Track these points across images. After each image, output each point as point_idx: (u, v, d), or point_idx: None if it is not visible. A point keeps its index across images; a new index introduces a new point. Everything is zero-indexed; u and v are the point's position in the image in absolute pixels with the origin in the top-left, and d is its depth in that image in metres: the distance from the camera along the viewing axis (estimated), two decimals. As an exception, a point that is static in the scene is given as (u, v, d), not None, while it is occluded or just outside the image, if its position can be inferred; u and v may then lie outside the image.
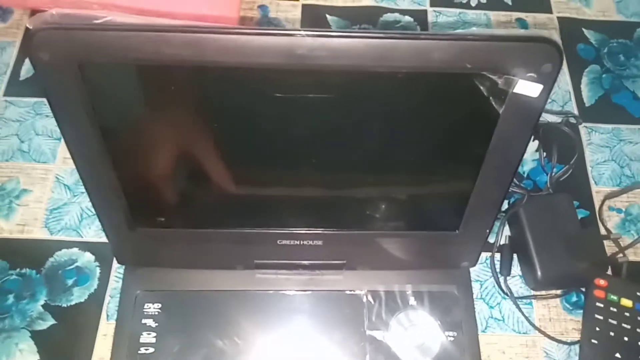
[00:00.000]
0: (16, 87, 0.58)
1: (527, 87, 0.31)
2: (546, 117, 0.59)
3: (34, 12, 0.61)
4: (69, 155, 0.53)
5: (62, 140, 0.54)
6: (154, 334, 0.43)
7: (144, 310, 0.44)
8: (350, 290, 0.46)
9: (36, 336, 0.46)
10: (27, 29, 0.31)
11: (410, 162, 0.39)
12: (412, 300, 0.46)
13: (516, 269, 0.51)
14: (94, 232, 0.51)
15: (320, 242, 0.43)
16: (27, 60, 0.59)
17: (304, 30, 0.29)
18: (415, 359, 0.44)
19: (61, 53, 0.30)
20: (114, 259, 0.49)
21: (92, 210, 0.50)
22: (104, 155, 0.35)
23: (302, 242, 0.43)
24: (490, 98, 0.32)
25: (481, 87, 0.32)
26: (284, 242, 0.43)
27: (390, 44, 0.30)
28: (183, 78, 0.32)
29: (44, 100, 0.56)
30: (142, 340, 0.43)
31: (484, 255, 0.51)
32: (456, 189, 0.40)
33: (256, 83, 0.32)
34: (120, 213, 0.40)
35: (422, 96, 0.34)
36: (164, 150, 0.37)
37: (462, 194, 0.40)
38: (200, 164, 0.38)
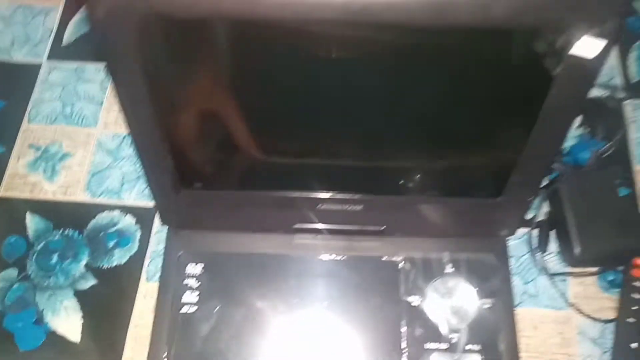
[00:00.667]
0: (59, 52, 0.59)
1: (587, 46, 0.30)
2: (591, 92, 0.57)
3: (75, -23, 0.62)
4: (110, 120, 0.55)
5: (104, 105, 0.56)
6: (196, 293, 0.44)
7: (187, 270, 0.45)
8: (387, 257, 0.46)
9: (79, 295, 0.48)
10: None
11: (459, 125, 0.38)
12: (448, 268, 0.46)
13: (553, 246, 0.51)
14: (135, 196, 0.52)
15: (360, 207, 0.43)
16: (69, 25, 0.60)
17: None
18: (451, 325, 0.44)
19: (119, 7, 0.30)
20: (154, 222, 0.50)
21: (133, 174, 0.52)
22: (155, 115, 0.36)
23: (341, 207, 0.43)
24: (548, 58, 0.31)
25: (539, 46, 0.31)
26: (324, 206, 0.43)
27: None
28: (237, 35, 0.32)
29: (87, 65, 0.58)
30: (184, 299, 0.44)
31: (521, 231, 0.51)
32: (502, 154, 0.39)
33: (309, 42, 0.32)
34: (167, 174, 0.40)
35: (477, 56, 0.33)
36: (211, 112, 0.37)
37: (508, 160, 0.39)
38: (246, 126, 0.38)
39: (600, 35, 0.30)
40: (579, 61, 0.31)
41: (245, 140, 0.39)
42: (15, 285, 0.48)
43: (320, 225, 0.46)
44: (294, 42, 0.33)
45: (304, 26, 0.31)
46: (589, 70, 0.32)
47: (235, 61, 0.35)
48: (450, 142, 0.41)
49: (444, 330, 0.45)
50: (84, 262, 0.49)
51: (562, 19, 0.30)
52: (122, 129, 0.55)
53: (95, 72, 0.58)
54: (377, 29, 0.31)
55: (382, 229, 0.47)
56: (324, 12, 0.30)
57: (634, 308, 0.46)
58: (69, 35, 0.60)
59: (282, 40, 0.33)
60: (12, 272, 0.49)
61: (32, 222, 0.51)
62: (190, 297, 0.45)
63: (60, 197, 0.52)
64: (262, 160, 0.42)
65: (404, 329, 0.44)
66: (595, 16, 0.30)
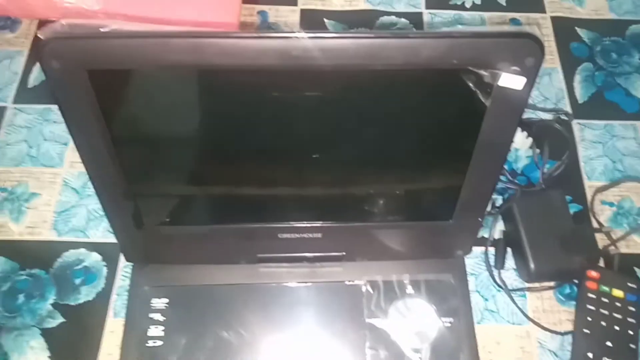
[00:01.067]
0: (25, 95, 0.60)
1: (511, 80, 0.32)
2: (539, 115, 0.61)
3: (41, 22, 0.64)
4: (76, 159, 0.56)
5: (70, 145, 0.57)
6: (162, 328, 0.45)
7: (152, 304, 0.46)
8: (350, 281, 0.48)
9: (46, 334, 0.48)
10: (38, 38, 0.33)
11: (403, 155, 0.40)
12: (409, 289, 0.47)
13: (510, 263, 0.53)
14: (101, 233, 0.52)
15: (319, 235, 0.45)
16: (35, 69, 0.61)
17: (298, 33, 0.31)
18: (414, 345, 0.46)
19: (71, 61, 0.32)
20: (120, 258, 0.51)
21: (99, 212, 0.53)
22: (113, 158, 0.37)
23: (302, 235, 0.44)
24: (477, 92, 0.34)
25: (468, 82, 0.33)
26: (285, 235, 0.44)
27: (380, 43, 0.31)
28: (186, 81, 0.34)
29: (51, 107, 0.59)
30: (150, 333, 0.45)
31: (479, 249, 0.53)
32: (448, 180, 0.42)
33: (255, 84, 0.34)
34: (129, 212, 0.41)
35: (413, 92, 0.36)
36: (169, 151, 0.39)
37: (454, 185, 0.41)
38: (204, 163, 0.40)
39: (520, 73, 0.33)
40: (508, 91, 0.34)
41: (204, 177, 0.41)
42: (-19, 328, 0.48)
43: (282, 254, 0.47)
44: (238, 84, 0.35)
45: (249, 70, 0.33)
46: (517, 99, 0.35)
47: (186, 104, 0.37)
48: (399, 172, 0.43)
49: (407, 350, 0.46)
50: (50, 301, 0.49)
51: (484, 60, 0.32)
52: (89, 167, 0.56)
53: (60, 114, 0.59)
54: (319, 72, 0.34)
55: (342, 254, 0.48)
56: (264, 59, 0.32)
57: (589, 319, 0.48)
58: (34, 79, 0.61)
59: (226, 83, 0.35)
60: (-22, 315, 0.49)
61: (-2, 264, 0.51)
62: (155, 331, 0.45)
63: (27, 237, 0.52)
64: (222, 195, 0.43)
65: (368, 352, 0.45)
66: (513, 57, 0.32)
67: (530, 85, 0.34)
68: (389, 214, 0.45)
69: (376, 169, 0.42)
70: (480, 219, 0.45)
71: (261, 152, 0.40)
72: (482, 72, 0.33)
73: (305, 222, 0.44)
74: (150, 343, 0.45)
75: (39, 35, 0.33)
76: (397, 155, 0.41)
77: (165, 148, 0.40)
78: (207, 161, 0.41)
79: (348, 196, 0.44)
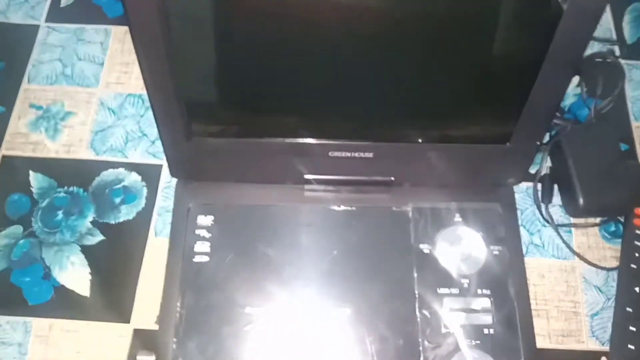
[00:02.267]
0: (57, 14, 0.58)
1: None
2: (587, 51, 0.59)
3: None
4: (112, 80, 0.55)
5: (105, 65, 0.55)
6: (208, 244, 0.44)
7: (197, 221, 0.45)
8: (397, 207, 0.47)
9: (86, 250, 0.47)
10: None
11: (467, 67, 0.39)
12: (457, 217, 0.47)
13: (556, 200, 0.52)
14: (140, 154, 0.51)
15: (370, 155, 0.43)
16: (67, -13, 0.59)
17: None
18: (461, 271, 0.45)
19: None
20: (161, 179, 0.50)
21: (137, 132, 0.52)
22: (171, 62, 0.36)
23: (353, 154, 0.43)
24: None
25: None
26: (336, 153, 0.43)
27: None
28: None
29: (85, 26, 0.57)
30: (196, 249, 0.44)
31: (525, 185, 0.52)
32: (512, 96, 0.40)
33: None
34: (180, 122, 0.40)
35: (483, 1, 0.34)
36: (223, 56, 0.37)
37: (517, 102, 0.39)
38: (257, 73, 0.38)
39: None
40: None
41: (256, 87, 0.40)
42: (21, 242, 0.47)
43: (330, 176, 0.46)
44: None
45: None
46: (594, 6, 0.33)
47: (245, 10, 0.35)
48: (460, 87, 0.41)
49: (455, 275, 0.45)
50: (89, 219, 0.48)
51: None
52: (124, 89, 0.54)
53: (95, 34, 0.57)
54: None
55: (391, 179, 0.47)
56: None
57: (636, 255, 0.47)
58: (67, -3, 0.59)
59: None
60: (17, 229, 0.48)
61: (36, 180, 0.50)
62: (202, 247, 0.44)
63: (63, 155, 0.51)
64: (273, 108, 0.42)
65: (415, 275, 0.45)
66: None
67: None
68: (445, 135, 0.44)
69: (436, 84, 0.40)
70: (538, 144, 0.43)
71: (317, 65, 0.38)
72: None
73: (358, 140, 0.43)
74: (197, 258, 0.44)
75: None
76: (459, 72, 0.39)
77: (220, 55, 0.38)
78: (261, 71, 0.39)
79: (403, 114, 0.43)
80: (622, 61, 0.59)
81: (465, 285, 0.45)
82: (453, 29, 0.36)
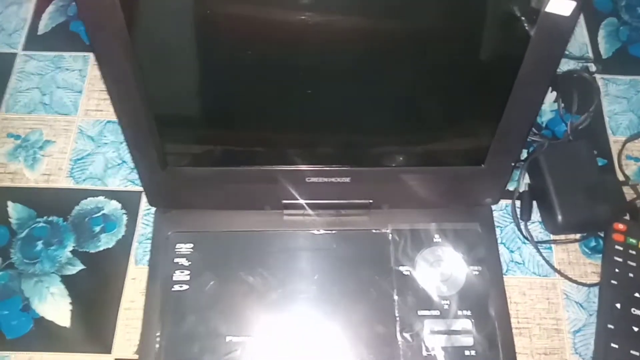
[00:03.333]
0: (35, 42, 0.58)
1: (559, 4, 0.31)
2: (563, 67, 0.60)
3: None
4: (91, 107, 0.55)
5: (84, 92, 0.55)
6: (187, 272, 0.44)
7: (176, 250, 0.45)
8: (376, 229, 0.47)
9: (66, 280, 0.47)
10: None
11: (439, 93, 0.39)
12: (436, 237, 0.47)
13: (535, 216, 0.52)
14: (119, 182, 0.51)
15: (347, 179, 0.43)
16: (44, 15, 0.59)
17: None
18: (442, 292, 0.45)
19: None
20: (140, 206, 0.50)
21: (117, 160, 0.52)
22: (141, 89, 0.36)
23: (330, 179, 0.43)
24: (523, 20, 0.32)
25: (513, 9, 0.32)
26: (313, 179, 0.43)
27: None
28: (227, 7, 0.32)
29: (64, 54, 0.57)
30: (175, 278, 0.44)
31: (504, 203, 0.52)
32: (484, 119, 0.41)
33: (288, 21, 0.33)
34: (154, 151, 0.40)
35: (453, 22, 0.34)
36: (197, 88, 0.38)
37: (490, 125, 0.40)
38: (231, 101, 0.39)
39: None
40: (554, 20, 0.33)
41: (231, 115, 0.40)
42: (-1, 274, 0.47)
43: (308, 200, 0.46)
44: (274, 17, 0.33)
45: (289, 5, 0.32)
46: (563, 29, 0.34)
47: (217, 36, 0.35)
48: (432, 111, 0.42)
49: (435, 297, 0.45)
50: (69, 248, 0.48)
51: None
52: (103, 116, 0.54)
53: (73, 61, 0.57)
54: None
55: (369, 202, 0.47)
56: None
57: (616, 270, 0.48)
58: (44, 25, 0.59)
59: (262, 15, 0.33)
60: (-5, 262, 0.48)
61: (15, 211, 0.50)
62: (181, 275, 0.44)
63: (42, 184, 0.51)
64: (249, 136, 0.42)
65: (396, 297, 0.45)
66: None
67: (578, 11, 0.32)
68: (420, 158, 0.44)
69: (409, 108, 0.41)
70: (512, 164, 0.44)
71: (289, 92, 0.39)
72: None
73: (334, 165, 0.43)
74: (176, 287, 0.44)
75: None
76: (432, 94, 0.39)
77: (193, 84, 0.38)
78: (234, 100, 0.39)
79: (378, 138, 0.43)
80: (599, 76, 0.60)
81: (446, 307, 0.45)
82: (425, 54, 0.37)
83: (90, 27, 0.33)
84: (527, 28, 0.33)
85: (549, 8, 0.32)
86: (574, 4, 0.31)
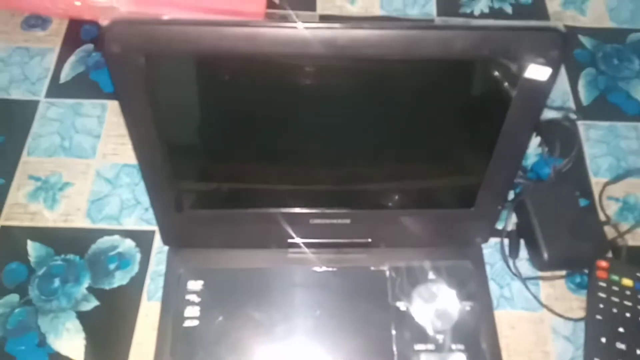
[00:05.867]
0: (56, 90, 0.62)
1: (537, 71, 0.35)
2: (546, 115, 0.64)
3: (71, 21, 0.66)
4: (108, 151, 0.59)
5: (102, 137, 0.59)
6: (198, 308, 0.47)
7: (188, 287, 0.48)
8: (374, 267, 0.50)
9: (81, 316, 0.50)
10: (99, 26, 0.35)
11: (430, 145, 0.43)
12: (431, 274, 0.50)
13: (523, 253, 0.55)
14: (134, 221, 0.54)
15: (348, 221, 0.47)
16: (66, 64, 0.64)
17: (344, 23, 0.34)
18: (436, 327, 0.48)
19: (130, 46, 0.35)
20: (154, 245, 0.53)
21: (132, 201, 0.55)
22: (162, 143, 0.40)
23: (332, 221, 0.47)
24: (504, 83, 0.37)
25: (495, 74, 0.36)
26: (316, 221, 0.47)
27: (419, 34, 0.34)
28: (236, 68, 0.37)
29: (83, 101, 0.62)
30: (186, 314, 0.47)
31: (493, 240, 0.55)
32: (471, 169, 0.45)
33: (299, 73, 0.37)
34: (171, 196, 0.44)
35: (443, 83, 0.39)
36: (213, 135, 0.41)
37: (477, 174, 0.44)
38: (244, 152, 0.43)
39: (545, 64, 0.36)
40: (532, 83, 0.37)
41: (245, 164, 0.44)
42: (17, 310, 0.50)
43: (312, 240, 0.50)
44: (284, 72, 0.38)
45: (292, 61, 0.36)
46: (541, 91, 0.38)
47: (234, 92, 0.39)
48: (425, 161, 0.46)
49: (430, 332, 0.48)
50: (85, 285, 0.51)
51: (513, 52, 0.35)
52: (120, 159, 0.58)
53: (92, 108, 0.61)
54: (358, 61, 0.37)
55: (368, 241, 0.51)
56: (309, 48, 0.34)
57: (601, 306, 0.51)
58: (65, 74, 0.63)
59: (274, 74, 0.38)
60: (14, 298, 0.50)
61: (33, 249, 0.53)
62: (192, 311, 0.47)
63: (60, 224, 0.54)
64: (257, 181, 0.46)
65: (393, 332, 0.48)
66: (540, 49, 0.35)
67: (554, 76, 0.37)
68: (414, 202, 0.48)
69: (403, 160, 0.45)
70: (500, 208, 0.48)
71: (294, 143, 0.43)
72: (510, 63, 0.36)
73: (335, 209, 0.47)
74: (187, 323, 0.47)
75: (100, 22, 0.35)
76: (426, 146, 0.44)
77: (209, 136, 0.42)
78: (246, 150, 0.43)
79: (376, 184, 0.47)
80: (580, 122, 0.64)
81: (441, 341, 0.47)
82: (419, 111, 0.41)
83: (117, 82, 0.37)
84: (509, 90, 0.38)
85: (528, 74, 0.36)
86: (550, 70, 0.36)
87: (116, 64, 0.36)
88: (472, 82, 0.39)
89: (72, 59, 0.64)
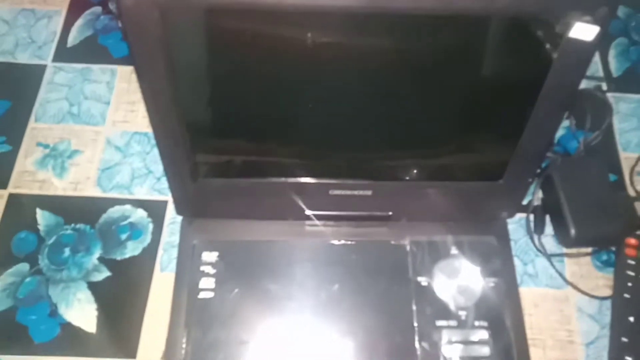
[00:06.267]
0: (64, 54, 0.60)
1: (584, 31, 0.32)
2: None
3: (78, -18, 0.63)
4: (118, 119, 0.57)
5: (112, 104, 0.57)
6: (212, 280, 0.45)
7: (202, 258, 0.46)
8: (395, 241, 0.48)
9: (93, 287, 0.49)
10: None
11: (461, 111, 0.41)
12: (453, 249, 0.48)
13: (548, 230, 0.53)
14: (146, 191, 0.53)
15: (369, 192, 0.45)
16: (73, 28, 0.61)
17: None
18: (459, 304, 0.46)
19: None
20: (166, 215, 0.51)
21: (143, 169, 0.53)
22: (177, 105, 0.37)
23: (352, 192, 0.45)
24: (545, 44, 0.34)
25: (537, 33, 0.34)
26: (336, 192, 0.45)
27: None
28: (255, 23, 0.34)
29: (92, 66, 0.59)
30: (201, 285, 0.45)
31: (518, 216, 0.53)
32: (504, 137, 0.42)
33: (322, 29, 0.34)
34: (186, 164, 0.42)
35: (476, 45, 0.36)
36: (230, 98, 0.39)
37: (509, 143, 0.42)
38: (262, 117, 0.40)
39: (593, 22, 0.33)
40: (577, 44, 0.34)
41: (261, 129, 0.41)
42: (27, 279, 0.48)
43: (330, 212, 0.48)
44: (308, 28, 0.35)
45: (316, 18, 0.33)
46: (585, 53, 0.35)
47: (251, 49, 0.37)
48: (455, 128, 0.43)
49: (452, 308, 0.46)
50: (96, 255, 0.50)
51: (559, 8, 0.33)
52: (131, 127, 0.56)
53: (101, 73, 0.59)
54: (392, 16, 0.34)
55: (389, 214, 0.49)
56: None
57: (629, 284, 0.49)
58: (73, 38, 0.61)
59: (296, 27, 0.35)
60: (24, 267, 0.49)
61: (43, 218, 0.51)
62: (207, 283, 0.46)
63: (70, 192, 0.53)
64: (275, 149, 0.43)
65: (414, 308, 0.46)
66: (587, 6, 0.32)
67: (600, 36, 0.34)
68: (440, 173, 0.46)
69: (432, 127, 0.42)
70: (530, 181, 0.45)
71: (316, 107, 0.40)
72: (553, 21, 0.33)
73: (356, 179, 0.45)
74: (202, 295, 0.45)
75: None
76: (454, 113, 0.41)
77: (227, 100, 0.40)
78: (263, 115, 0.41)
79: (400, 154, 0.44)
80: (610, 94, 0.61)
81: (463, 318, 0.46)
82: (447, 71, 0.39)
83: (133, 44, 0.34)
84: (550, 52, 0.35)
85: (573, 33, 0.33)
86: (598, 29, 0.33)
87: (130, 19, 0.33)
88: (508, 43, 0.36)
89: (79, 22, 0.62)
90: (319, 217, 0.48)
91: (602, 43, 0.65)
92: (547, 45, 0.35)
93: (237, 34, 0.35)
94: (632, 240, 0.51)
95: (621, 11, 0.67)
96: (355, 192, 0.45)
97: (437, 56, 0.37)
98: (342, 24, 0.34)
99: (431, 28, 0.35)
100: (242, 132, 0.42)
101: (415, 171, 0.45)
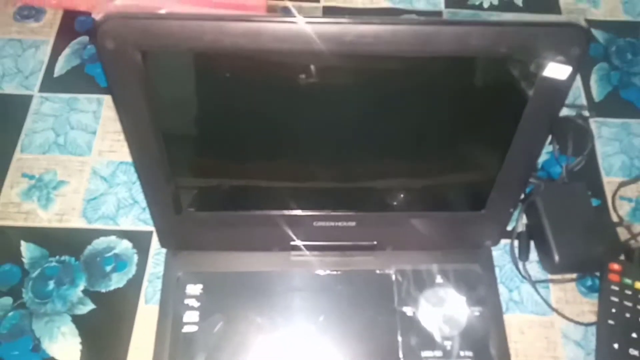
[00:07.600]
0: (51, 84, 0.60)
1: (557, 70, 0.33)
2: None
3: (66, 12, 0.64)
4: (104, 148, 0.57)
5: (98, 134, 0.57)
6: (197, 313, 0.45)
7: (186, 290, 0.46)
8: (380, 270, 0.48)
9: (77, 320, 0.48)
10: (93, 19, 0.33)
11: (443, 145, 0.41)
12: (438, 278, 0.48)
13: (533, 256, 0.54)
14: (131, 221, 0.53)
15: (353, 223, 0.45)
16: (61, 58, 0.62)
17: (352, 18, 0.32)
18: (444, 333, 0.46)
19: (125, 41, 0.33)
20: (151, 246, 0.51)
21: (129, 200, 0.53)
22: (159, 142, 0.38)
23: (336, 224, 0.45)
24: (521, 82, 0.35)
25: (512, 72, 0.34)
26: (320, 223, 0.45)
27: (433, 30, 0.32)
28: (235, 64, 0.35)
29: (78, 96, 0.60)
30: (185, 319, 0.45)
31: (503, 242, 0.54)
32: (484, 170, 0.43)
33: (303, 70, 0.35)
34: (169, 197, 0.42)
35: (455, 81, 0.37)
36: (213, 138, 0.40)
37: (490, 175, 0.42)
38: (245, 151, 0.41)
39: (565, 63, 0.34)
40: (551, 82, 0.35)
41: (245, 163, 0.42)
42: (10, 314, 0.48)
43: (315, 242, 0.48)
44: (288, 70, 0.35)
45: (295, 58, 0.34)
46: (559, 90, 0.36)
47: (234, 89, 0.37)
48: (436, 161, 0.44)
49: (437, 337, 0.46)
50: (81, 287, 0.49)
51: (531, 49, 0.33)
52: (116, 157, 0.56)
53: (88, 103, 0.59)
54: (367, 58, 0.34)
55: (374, 244, 0.49)
56: (313, 44, 0.32)
57: (613, 310, 0.49)
58: (60, 68, 0.61)
59: (276, 71, 0.36)
60: (7, 301, 0.49)
61: (27, 250, 0.51)
62: (191, 316, 0.45)
63: (55, 224, 0.52)
64: (259, 182, 0.44)
65: (400, 339, 0.46)
66: (560, 47, 0.33)
67: (574, 75, 0.34)
68: (423, 205, 0.46)
69: (414, 158, 0.43)
70: (511, 210, 0.46)
71: (298, 143, 0.41)
72: (528, 61, 0.34)
73: (340, 211, 0.45)
74: (186, 328, 0.45)
75: (93, 16, 0.33)
76: (437, 145, 0.42)
77: (209, 135, 0.40)
78: (248, 150, 0.41)
79: (384, 186, 0.45)
80: (592, 119, 0.62)
81: (448, 348, 0.46)
82: (428, 107, 0.39)
83: (112, 78, 0.35)
84: (526, 88, 0.36)
85: (547, 73, 0.34)
86: (570, 69, 0.34)
87: (110, 60, 0.34)
88: (486, 80, 0.37)
89: (66, 51, 0.62)
90: (303, 248, 0.48)
91: (583, 68, 0.66)
92: (523, 83, 0.35)
93: (218, 74, 0.35)
94: (615, 266, 0.51)
95: (601, 36, 0.68)
96: (340, 224, 0.46)
97: (417, 93, 0.38)
98: (321, 65, 0.35)
99: (410, 67, 0.36)
100: (225, 166, 0.42)
101: (398, 202, 0.45)
